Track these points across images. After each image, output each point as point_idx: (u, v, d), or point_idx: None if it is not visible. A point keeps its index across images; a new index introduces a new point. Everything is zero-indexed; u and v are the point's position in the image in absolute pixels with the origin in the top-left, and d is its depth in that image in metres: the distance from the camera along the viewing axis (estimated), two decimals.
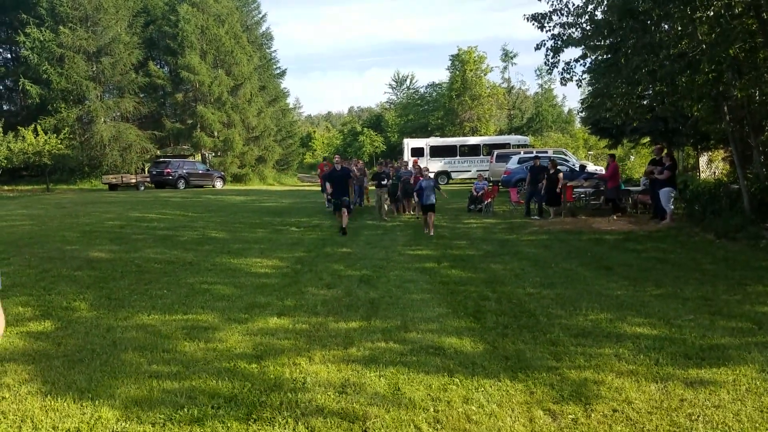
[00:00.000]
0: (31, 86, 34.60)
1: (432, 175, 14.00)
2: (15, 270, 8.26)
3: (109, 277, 7.85)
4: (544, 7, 15.48)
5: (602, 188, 16.57)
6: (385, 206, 15.97)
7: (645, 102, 14.63)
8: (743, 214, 11.36)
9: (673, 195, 13.06)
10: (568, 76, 12.64)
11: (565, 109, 63.04)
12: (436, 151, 35.50)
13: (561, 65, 12.57)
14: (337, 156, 13.31)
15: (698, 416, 3.61)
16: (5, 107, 41.82)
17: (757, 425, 3.49)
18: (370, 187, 19.18)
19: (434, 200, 12.50)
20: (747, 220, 11.00)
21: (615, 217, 14.11)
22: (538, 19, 12.10)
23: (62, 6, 34.77)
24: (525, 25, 13.36)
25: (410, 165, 18.73)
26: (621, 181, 16.63)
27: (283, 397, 3.95)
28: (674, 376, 4.25)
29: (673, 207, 13.00)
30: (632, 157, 37.40)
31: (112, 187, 31.85)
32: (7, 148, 29.28)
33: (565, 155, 26.68)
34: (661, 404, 3.79)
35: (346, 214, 12.47)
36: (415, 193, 12.57)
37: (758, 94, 11.78)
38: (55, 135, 31.04)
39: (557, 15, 12.00)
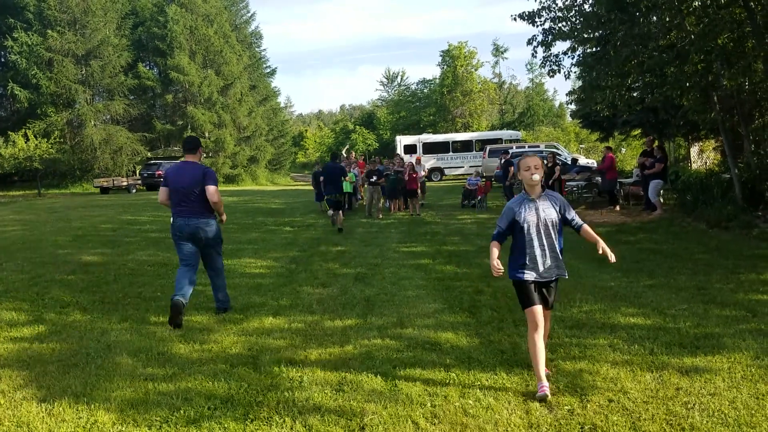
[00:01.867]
0: (20, 91, 34.34)
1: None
2: (7, 275, 8.20)
3: (102, 281, 7.80)
4: (533, 5, 15.53)
5: (594, 181, 16.63)
6: (380, 204, 15.95)
7: (635, 94, 14.69)
8: (735, 203, 11.42)
9: (661, 187, 13.13)
10: (557, 68, 12.70)
11: (556, 103, 63.25)
12: (429, 148, 35.53)
13: (551, 57, 12.65)
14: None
15: (694, 404, 3.63)
16: None
17: (753, 412, 3.51)
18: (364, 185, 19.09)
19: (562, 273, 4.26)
20: (739, 209, 11.07)
21: (617, 209, 14.16)
22: (528, 17, 12.14)
23: (50, 9, 34.51)
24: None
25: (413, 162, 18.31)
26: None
27: (279, 397, 3.94)
28: (669, 365, 4.26)
29: (661, 199, 13.08)
30: (623, 150, 37.52)
31: (104, 190, 31.68)
32: None
33: (557, 149, 26.75)
34: (657, 393, 3.81)
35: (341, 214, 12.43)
36: (493, 246, 4.14)
37: (747, 83, 11.86)
38: (45, 139, 30.85)
39: (546, 12, 12.05)
